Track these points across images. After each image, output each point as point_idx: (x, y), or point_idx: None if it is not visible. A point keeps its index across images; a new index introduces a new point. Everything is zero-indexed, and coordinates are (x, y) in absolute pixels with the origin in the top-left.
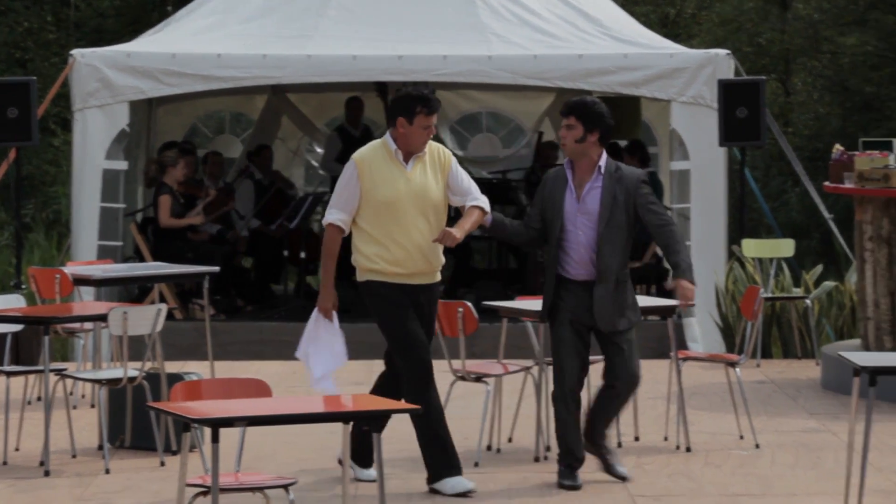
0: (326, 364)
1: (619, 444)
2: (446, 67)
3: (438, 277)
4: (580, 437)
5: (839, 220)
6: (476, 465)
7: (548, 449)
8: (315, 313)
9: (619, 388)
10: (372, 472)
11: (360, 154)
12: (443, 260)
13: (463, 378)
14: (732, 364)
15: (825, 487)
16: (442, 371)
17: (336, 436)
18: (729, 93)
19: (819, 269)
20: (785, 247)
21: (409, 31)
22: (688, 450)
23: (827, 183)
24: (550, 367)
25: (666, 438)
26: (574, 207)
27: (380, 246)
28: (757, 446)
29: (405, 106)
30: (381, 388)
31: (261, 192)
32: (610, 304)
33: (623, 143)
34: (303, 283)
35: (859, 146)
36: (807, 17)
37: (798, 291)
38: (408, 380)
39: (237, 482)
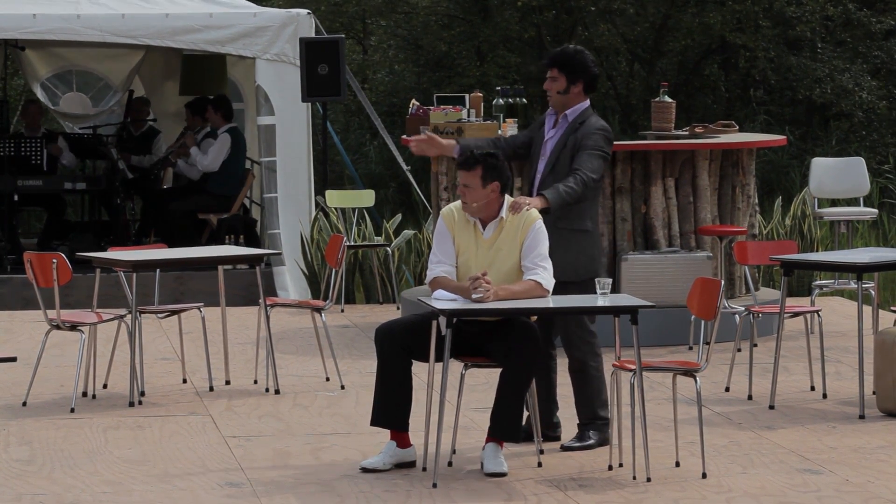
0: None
1: (277, 391)
2: (36, 26)
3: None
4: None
5: (416, 171)
6: (72, 410)
7: (142, 394)
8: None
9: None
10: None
11: (448, 209)
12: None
13: (58, 327)
14: (318, 310)
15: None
16: (37, 321)
17: None
18: (310, 50)
19: (398, 218)
20: (366, 197)
21: None
22: (277, 392)
23: (404, 136)
24: (142, 315)
25: (256, 381)
26: (539, 151)
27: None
28: (342, 387)
29: None
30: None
31: None
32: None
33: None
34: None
35: (434, 101)
36: None
37: (379, 239)
38: None
39: None
